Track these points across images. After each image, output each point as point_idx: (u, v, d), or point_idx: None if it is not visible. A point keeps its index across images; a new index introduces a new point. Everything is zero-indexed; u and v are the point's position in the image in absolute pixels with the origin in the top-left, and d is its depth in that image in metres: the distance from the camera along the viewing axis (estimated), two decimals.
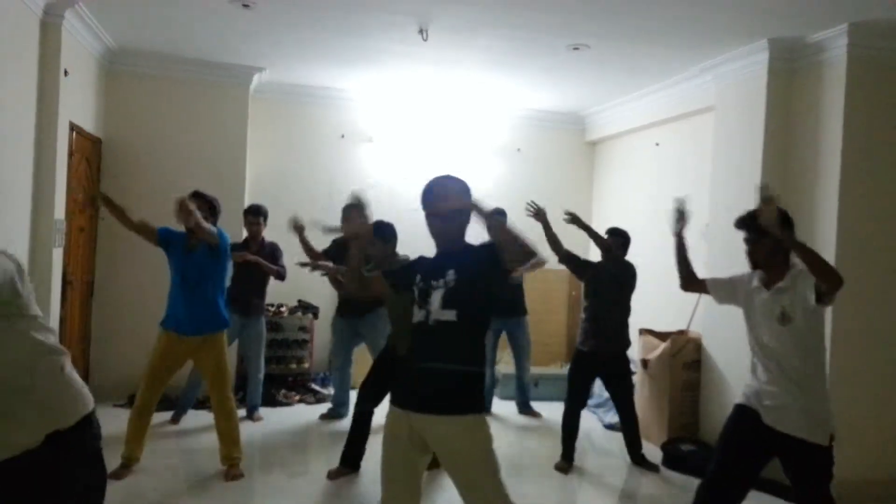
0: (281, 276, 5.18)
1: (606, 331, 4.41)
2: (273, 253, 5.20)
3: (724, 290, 3.01)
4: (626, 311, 4.47)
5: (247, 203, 5.91)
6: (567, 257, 4.46)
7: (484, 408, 2.45)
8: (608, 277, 4.43)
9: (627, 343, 4.52)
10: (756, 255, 2.82)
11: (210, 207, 4.00)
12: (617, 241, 4.49)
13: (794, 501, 2.84)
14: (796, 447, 2.66)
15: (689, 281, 3.18)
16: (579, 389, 4.56)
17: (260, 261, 5.04)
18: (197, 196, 3.96)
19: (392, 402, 2.48)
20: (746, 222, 2.81)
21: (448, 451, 2.38)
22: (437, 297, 2.39)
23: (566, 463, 4.45)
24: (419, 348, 2.42)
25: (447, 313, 2.36)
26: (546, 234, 4.38)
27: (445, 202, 2.42)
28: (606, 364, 4.48)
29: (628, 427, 4.55)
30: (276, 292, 6.20)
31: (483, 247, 2.47)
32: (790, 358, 2.69)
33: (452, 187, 2.46)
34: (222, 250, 3.98)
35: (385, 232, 4.03)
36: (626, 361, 4.53)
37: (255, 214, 5.18)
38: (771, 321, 2.73)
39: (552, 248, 4.42)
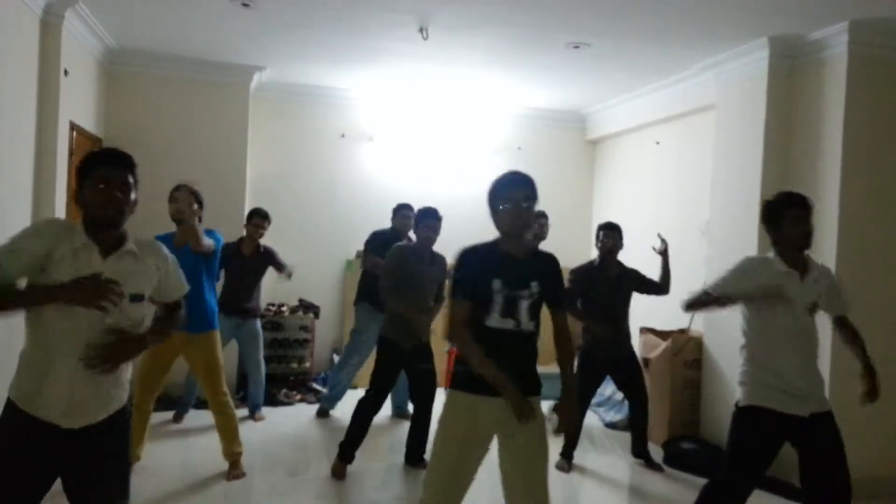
0: (290, 275, 5.12)
1: (621, 332, 4.44)
2: (272, 255, 5.11)
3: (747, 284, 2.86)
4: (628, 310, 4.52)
5: (247, 203, 5.90)
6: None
7: None
8: (614, 278, 4.45)
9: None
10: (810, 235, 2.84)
11: (197, 199, 3.90)
12: (615, 235, 4.49)
13: (805, 496, 2.84)
14: (822, 421, 2.79)
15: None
16: (589, 387, 4.54)
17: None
18: (184, 189, 3.85)
19: (465, 389, 2.42)
20: (803, 200, 2.82)
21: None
22: (524, 308, 2.37)
23: (566, 461, 4.45)
24: (503, 350, 2.37)
25: (532, 324, 2.40)
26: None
27: (535, 198, 2.39)
28: (621, 364, 4.49)
29: (639, 423, 4.58)
30: (277, 292, 6.22)
31: (552, 258, 2.49)
32: (815, 342, 2.88)
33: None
34: (214, 252, 3.99)
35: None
36: (637, 359, 4.58)
37: (263, 218, 5.07)
38: (803, 308, 2.81)
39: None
